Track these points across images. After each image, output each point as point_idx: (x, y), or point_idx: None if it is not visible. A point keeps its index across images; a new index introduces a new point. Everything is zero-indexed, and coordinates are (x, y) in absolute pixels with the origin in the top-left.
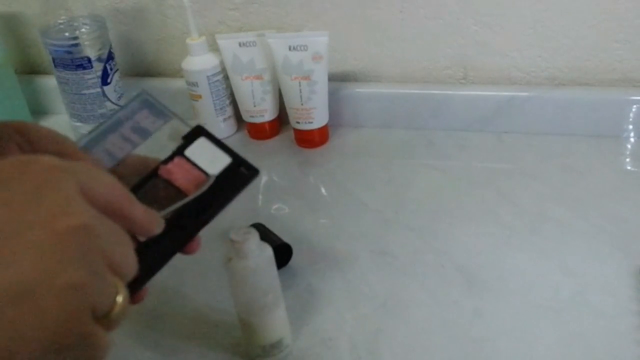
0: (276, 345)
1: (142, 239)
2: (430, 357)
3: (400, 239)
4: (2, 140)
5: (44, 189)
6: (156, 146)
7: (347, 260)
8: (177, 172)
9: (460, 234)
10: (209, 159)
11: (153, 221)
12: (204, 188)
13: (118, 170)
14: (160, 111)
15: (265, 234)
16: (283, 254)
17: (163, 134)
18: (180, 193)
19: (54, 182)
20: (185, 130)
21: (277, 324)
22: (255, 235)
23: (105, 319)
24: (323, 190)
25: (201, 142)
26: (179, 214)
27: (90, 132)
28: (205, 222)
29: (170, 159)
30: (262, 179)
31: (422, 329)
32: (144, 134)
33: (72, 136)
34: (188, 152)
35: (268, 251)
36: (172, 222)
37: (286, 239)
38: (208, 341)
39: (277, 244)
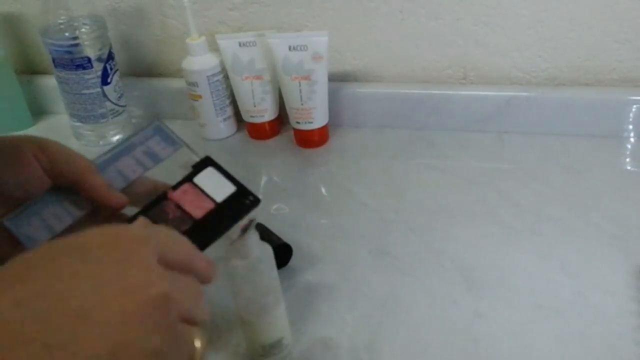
0: (276, 345)
1: None
2: (430, 357)
3: (400, 239)
4: (24, 155)
5: (128, 261)
6: (166, 172)
7: (347, 260)
8: (185, 197)
9: (460, 234)
10: (215, 187)
11: (213, 270)
12: (208, 211)
13: (128, 190)
14: (171, 139)
15: (265, 234)
16: (283, 254)
17: (173, 161)
18: (187, 216)
19: (136, 254)
20: (194, 159)
21: (277, 323)
22: (255, 235)
23: None
24: (323, 190)
25: (209, 171)
26: (184, 235)
27: (105, 153)
28: (207, 245)
29: (179, 184)
30: (262, 179)
31: (422, 329)
32: (155, 158)
33: (71, 136)
34: (197, 179)
35: (268, 251)
36: None
37: (286, 239)
38: (208, 341)
39: (277, 244)
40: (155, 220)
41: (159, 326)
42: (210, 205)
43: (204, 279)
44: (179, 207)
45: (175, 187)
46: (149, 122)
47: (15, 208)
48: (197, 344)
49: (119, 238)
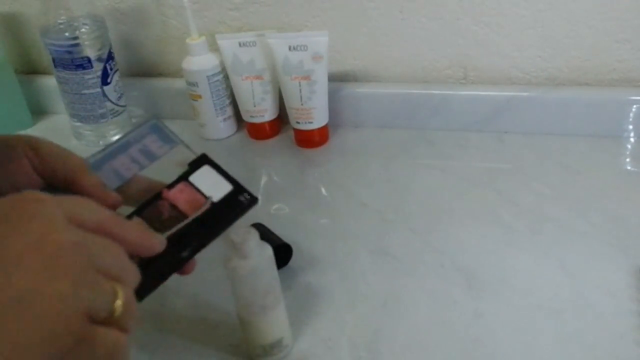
0: (276, 345)
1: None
2: (430, 357)
3: (400, 239)
4: (15, 154)
5: (30, 219)
6: (162, 170)
7: (347, 260)
8: (181, 196)
9: (460, 234)
10: (212, 186)
11: (152, 240)
12: (204, 211)
13: (124, 189)
14: (168, 137)
15: (265, 234)
16: (283, 254)
17: (169, 158)
18: (182, 216)
19: (38, 212)
20: (191, 157)
21: (277, 324)
22: (255, 235)
23: (111, 320)
24: (323, 190)
25: (205, 170)
26: (180, 235)
27: (100, 151)
28: (203, 245)
29: (175, 183)
30: (262, 179)
31: (422, 329)
32: (151, 157)
33: (71, 136)
34: (192, 178)
35: (268, 251)
36: (173, 242)
37: (286, 239)
38: (208, 341)
39: (277, 244)
40: (149, 220)
41: (67, 272)
42: (205, 205)
43: (139, 248)
44: (174, 206)
45: (170, 186)
46: (145, 120)
47: None
48: (118, 302)
49: (22, 201)
